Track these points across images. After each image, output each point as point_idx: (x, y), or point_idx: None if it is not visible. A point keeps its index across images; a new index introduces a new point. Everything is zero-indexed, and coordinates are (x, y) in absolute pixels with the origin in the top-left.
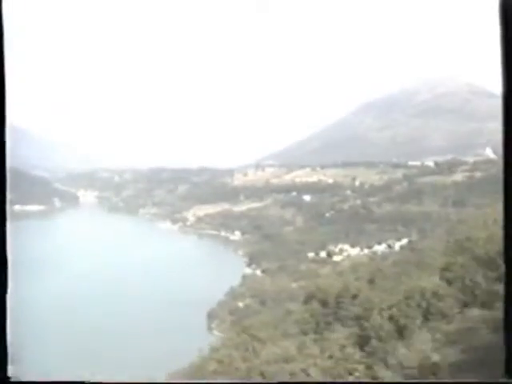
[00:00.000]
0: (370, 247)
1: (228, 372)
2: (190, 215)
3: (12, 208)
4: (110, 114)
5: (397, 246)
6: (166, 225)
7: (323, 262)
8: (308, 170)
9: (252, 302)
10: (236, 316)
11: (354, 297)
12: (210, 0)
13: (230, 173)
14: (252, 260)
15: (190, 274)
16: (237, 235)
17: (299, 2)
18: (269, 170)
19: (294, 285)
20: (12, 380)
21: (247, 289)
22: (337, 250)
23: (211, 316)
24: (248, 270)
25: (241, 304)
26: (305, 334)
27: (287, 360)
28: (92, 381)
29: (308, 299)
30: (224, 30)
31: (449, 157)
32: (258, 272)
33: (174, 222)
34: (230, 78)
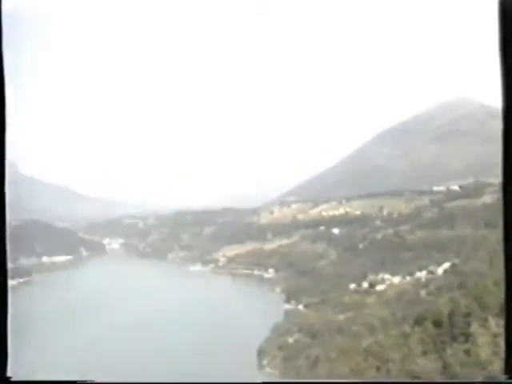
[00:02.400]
0: (411, 274)
1: None
2: (221, 256)
3: (40, 260)
4: (123, 160)
5: (439, 271)
6: (197, 267)
7: (366, 292)
8: (334, 203)
9: (301, 337)
10: (286, 351)
11: None
12: (210, 3)
13: (255, 211)
14: (290, 296)
15: (229, 314)
16: (270, 273)
17: (300, 5)
18: (294, 206)
19: (340, 317)
20: (12, 380)
21: (292, 324)
22: (378, 279)
23: (260, 353)
24: (288, 306)
25: (290, 339)
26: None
27: None
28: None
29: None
30: (224, 33)
31: (470, 180)
32: (301, 307)
33: (205, 263)
34: (234, 93)
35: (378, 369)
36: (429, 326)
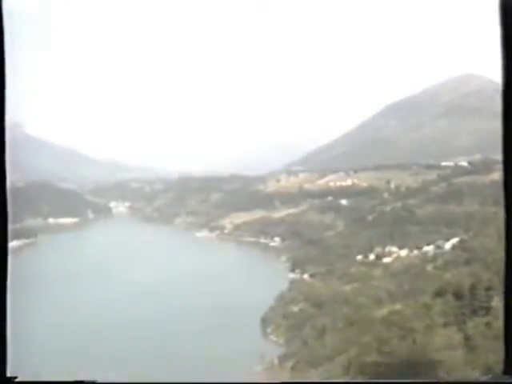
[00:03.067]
0: (418, 248)
1: None
2: (227, 223)
3: (46, 221)
4: (131, 124)
5: (446, 246)
6: (204, 233)
7: (373, 264)
8: (341, 174)
9: (306, 306)
10: (291, 320)
11: None
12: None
13: (262, 179)
14: (295, 265)
15: (234, 280)
16: (276, 241)
17: (299, 2)
18: (301, 176)
19: (347, 287)
20: (11, 380)
21: (298, 293)
22: (385, 252)
23: (265, 321)
24: (293, 275)
25: (295, 308)
26: None
27: None
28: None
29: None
30: (224, 30)
31: (478, 156)
32: (306, 276)
33: (211, 230)
34: (242, 79)
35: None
36: (450, 298)
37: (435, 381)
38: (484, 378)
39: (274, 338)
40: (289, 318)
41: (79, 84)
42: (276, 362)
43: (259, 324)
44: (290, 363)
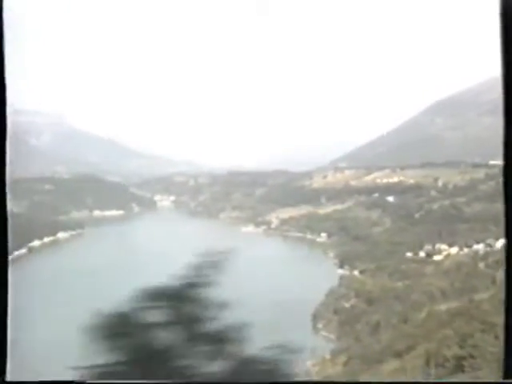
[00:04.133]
0: (468, 246)
1: None
2: (273, 218)
3: (92, 214)
4: (176, 117)
5: (497, 244)
6: (249, 228)
7: (423, 261)
8: (387, 171)
9: (358, 302)
10: (343, 316)
11: None
12: (210, 2)
13: (308, 175)
14: (344, 261)
15: (282, 276)
16: (323, 237)
17: (301, 6)
18: (347, 172)
19: (398, 284)
20: (11, 380)
21: (348, 289)
22: (435, 249)
23: (315, 317)
24: (342, 271)
25: (346, 304)
26: None
27: None
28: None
29: None
30: (224, 33)
31: None
32: (356, 273)
33: (257, 225)
34: (285, 74)
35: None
36: None
37: (435, 381)
38: (485, 380)
39: (325, 334)
40: (340, 314)
41: (126, 78)
42: (328, 356)
43: (309, 319)
44: (342, 358)
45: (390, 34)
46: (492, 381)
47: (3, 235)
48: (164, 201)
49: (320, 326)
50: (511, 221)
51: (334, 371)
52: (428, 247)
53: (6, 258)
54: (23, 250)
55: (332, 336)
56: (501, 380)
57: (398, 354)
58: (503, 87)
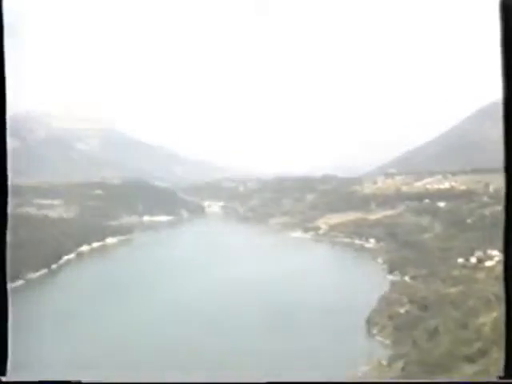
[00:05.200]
0: None
1: None
2: (322, 223)
3: (141, 219)
4: (228, 124)
5: None
6: (298, 234)
7: (475, 267)
8: (439, 176)
9: (412, 308)
10: (397, 321)
11: None
12: (209, 2)
13: (358, 181)
14: (393, 267)
15: (331, 281)
16: (371, 243)
17: (300, 6)
18: (398, 178)
19: (452, 290)
20: (11, 380)
21: (401, 295)
22: (486, 255)
23: (369, 322)
24: (391, 277)
25: (401, 310)
26: None
27: None
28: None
29: None
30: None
31: None
32: (407, 278)
33: (306, 230)
34: (336, 80)
35: None
36: None
37: (435, 381)
38: (484, 379)
39: (380, 339)
40: (395, 320)
41: (173, 85)
42: (385, 362)
43: (363, 325)
44: (399, 364)
45: (430, 35)
46: (492, 380)
47: (2, 235)
48: (213, 206)
49: (375, 331)
50: (510, 223)
51: (393, 376)
52: (479, 253)
53: (5, 258)
54: (72, 255)
55: (387, 341)
56: (501, 380)
57: (471, 360)
58: (503, 89)
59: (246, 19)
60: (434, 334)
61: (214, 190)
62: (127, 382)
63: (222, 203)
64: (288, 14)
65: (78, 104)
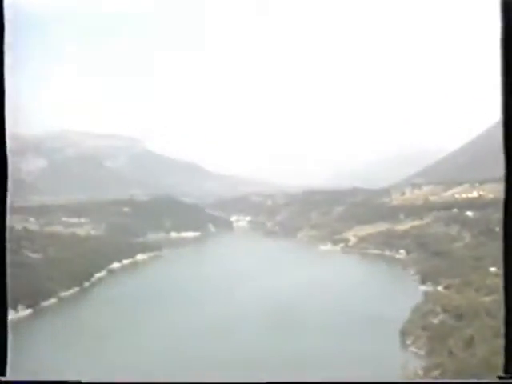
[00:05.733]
0: None
1: None
2: (351, 236)
3: (168, 235)
4: (253, 139)
5: None
6: (327, 247)
7: None
8: (466, 186)
9: (446, 318)
10: (432, 332)
11: None
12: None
13: (386, 192)
14: (426, 277)
15: (363, 293)
16: (402, 254)
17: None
18: (425, 188)
19: (486, 299)
20: (11, 380)
21: (435, 305)
22: None
23: (403, 333)
24: (425, 288)
25: (435, 320)
26: None
27: None
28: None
29: None
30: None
31: None
32: (440, 288)
33: (335, 243)
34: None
35: None
36: None
37: (435, 381)
38: (484, 379)
39: (415, 350)
40: (429, 330)
41: (199, 100)
42: (421, 372)
43: (398, 336)
44: (435, 374)
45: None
46: (492, 380)
47: (2, 233)
48: (240, 221)
49: (409, 342)
50: (508, 222)
51: None
52: None
53: (5, 258)
54: (103, 273)
55: (422, 352)
56: (500, 380)
57: None
58: (502, 92)
59: (247, 19)
60: (469, 343)
61: (241, 204)
62: (127, 382)
63: (249, 218)
64: (289, 14)
65: (105, 122)
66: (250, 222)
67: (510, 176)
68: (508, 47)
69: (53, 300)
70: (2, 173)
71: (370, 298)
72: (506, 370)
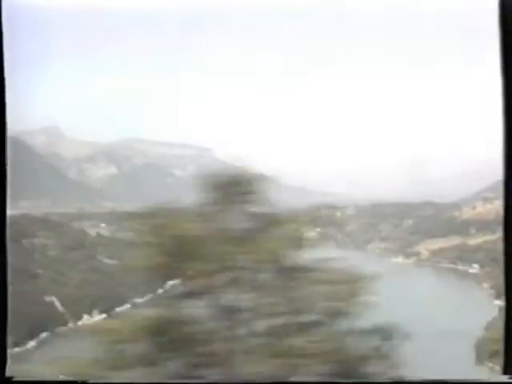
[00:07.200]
0: None
1: None
2: (423, 249)
3: None
4: (321, 150)
5: None
6: (399, 259)
7: None
8: None
9: None
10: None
11: None
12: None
13: (457, 206)
14: (500, 292)
15: (439, 306)
16: (475, 268)
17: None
18: (497, 202)
19: None
20: (12, 380)
21: None
22: None
23: (479, 348)
24: (499, 302)
25: None
26: None
27: None
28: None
29: None
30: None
31: None
32: None
33: (407, 256)
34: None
35: None
36: None
37: (435, 381)
38: (484, 378)
39: (490, 365)
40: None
41: (273, 111)
42: None
43: (472, 350)
44: None
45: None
46: (492, 380)
47: (2, 234)
48: (310, 232)
49: (484, 357)
50: (509, 222)
51: None
52: None
53: (5, 258)
54: (177, 280)
55: (497, 367)
56: (500, 379)
57: None
58: (502, 93)
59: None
60: None
61: (310, 216)
62: (127, 382)
63: (318, 229)
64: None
65: (173, 130)
66: (319, 233)
67: (510, 181)
68: (508, 47)
69: (127, 306)
70: (2, 173)
71: (444, 313)
72: (505, 371)
